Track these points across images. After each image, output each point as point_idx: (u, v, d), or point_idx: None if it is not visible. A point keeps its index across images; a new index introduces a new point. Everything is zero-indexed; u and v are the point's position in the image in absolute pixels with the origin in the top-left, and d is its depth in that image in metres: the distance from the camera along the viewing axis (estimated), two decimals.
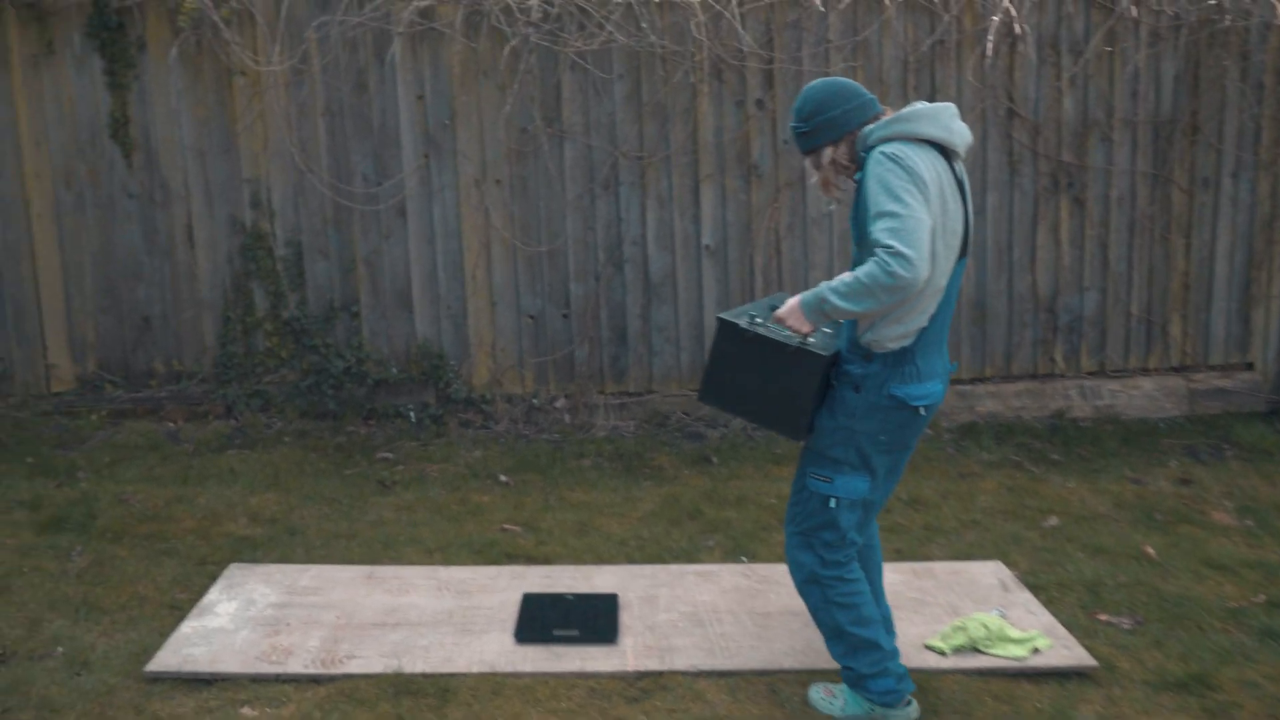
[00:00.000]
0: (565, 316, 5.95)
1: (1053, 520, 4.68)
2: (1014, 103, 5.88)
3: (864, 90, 3.00)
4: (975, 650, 3.47)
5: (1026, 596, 3.87)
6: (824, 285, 2.79)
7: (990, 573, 4.09)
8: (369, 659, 3.43)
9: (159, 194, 5.85)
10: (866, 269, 2.67)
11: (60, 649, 3.49)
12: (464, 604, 3.83)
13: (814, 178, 3.04)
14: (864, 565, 3.28)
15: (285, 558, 4.27)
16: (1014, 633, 3.51)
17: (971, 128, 5.74)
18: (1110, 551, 4.34)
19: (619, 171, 5.83)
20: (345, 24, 5.64)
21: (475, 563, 4.25)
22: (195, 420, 5.81)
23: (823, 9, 5.70)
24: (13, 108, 5.78)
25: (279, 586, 3.94)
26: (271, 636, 3.57)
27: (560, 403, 5.95)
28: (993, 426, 5.88)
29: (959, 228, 2.87)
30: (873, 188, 2.74)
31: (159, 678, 3.33)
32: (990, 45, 5.74)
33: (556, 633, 3.58)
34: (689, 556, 4.33)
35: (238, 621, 3.67)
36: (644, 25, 5.65)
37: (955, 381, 6.05)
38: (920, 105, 2.89)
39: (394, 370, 5.90)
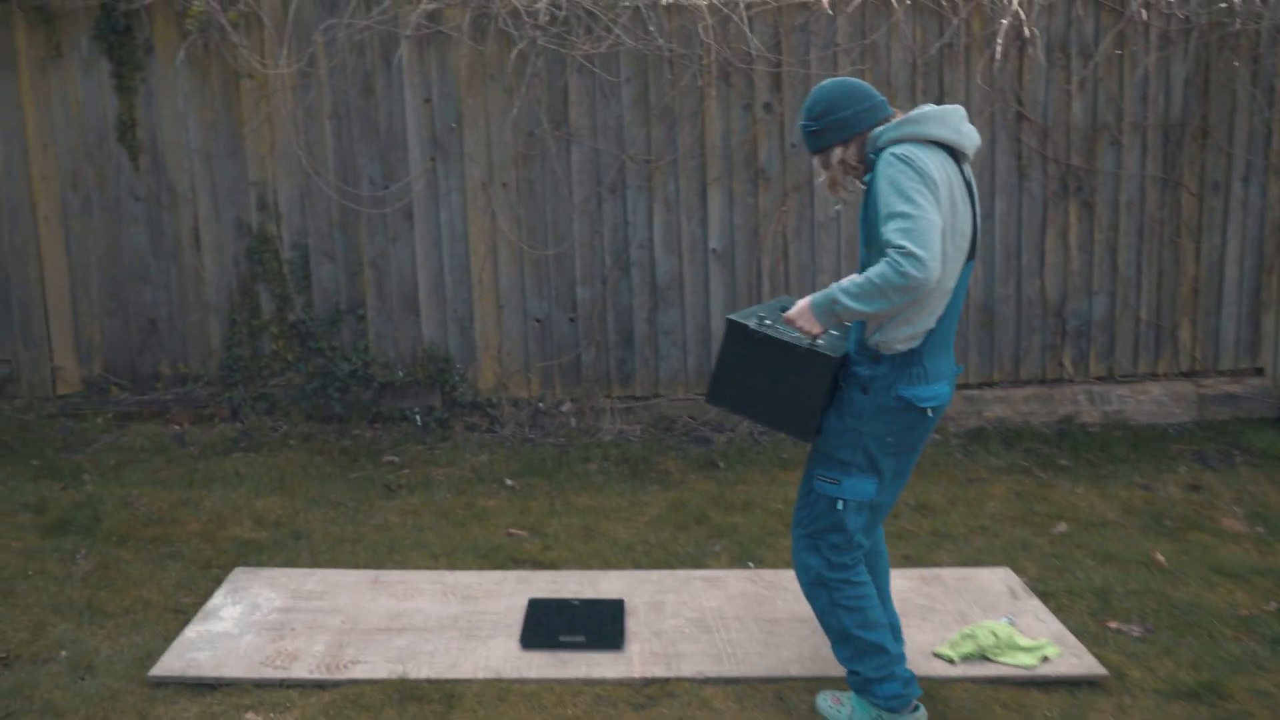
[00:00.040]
0: (571, 320, 5.93)
1: (1061, 526, 4.65)
2: (1023, 106, 5.85)
3: (875, 92, 2.99)
4: (984, 658, 3.44)
5: (1036, 604, 3.85)
6: (835, 286, 2.78)
7: (999, 579, 4.06)
8: (374, 664, 3.42)
9: (165, 197, 5.85)
10: (878, 269, 2.67)
11: (64, 653, 3.48)
12: (469, 609, 3.81)
13: (821, 177, 3.04)
14: (871, 571, 3.26)
15: (290, 562, 4.26)
16: (1023, 641, 3.48)
17: (980, 131, 5.75)
18: (1120, 558, 4.31)
19: (626, 175, 5.82)
20: (352, 27, 5.63)
21: (481, 567, 4.23)
22: (201, 423, 5.80)
23: (831, 12, 5.68)
24: (20, 110, 5.78)
25: (284, 591, 3.93)
26: (276, 641, 3.55)
27: (566, 407, 5.93)
28: (1001, 432, 5.85)
29: (967, 229, 2.88)
30: (884, 189, 2.73)
31: (163, 682, 3.32)
32: (999, 48, 5.71)
33: (562, 639, 3.56)
34: (696, 562, 4.30)
35: (242, 626, 3.65)
36: (651, 28, 5.63)
37: (963, 386, 6.02)
38: (929, 108, 2.89)
39: (400, 373, 5.89)
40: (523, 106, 5.70)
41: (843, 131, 2.94)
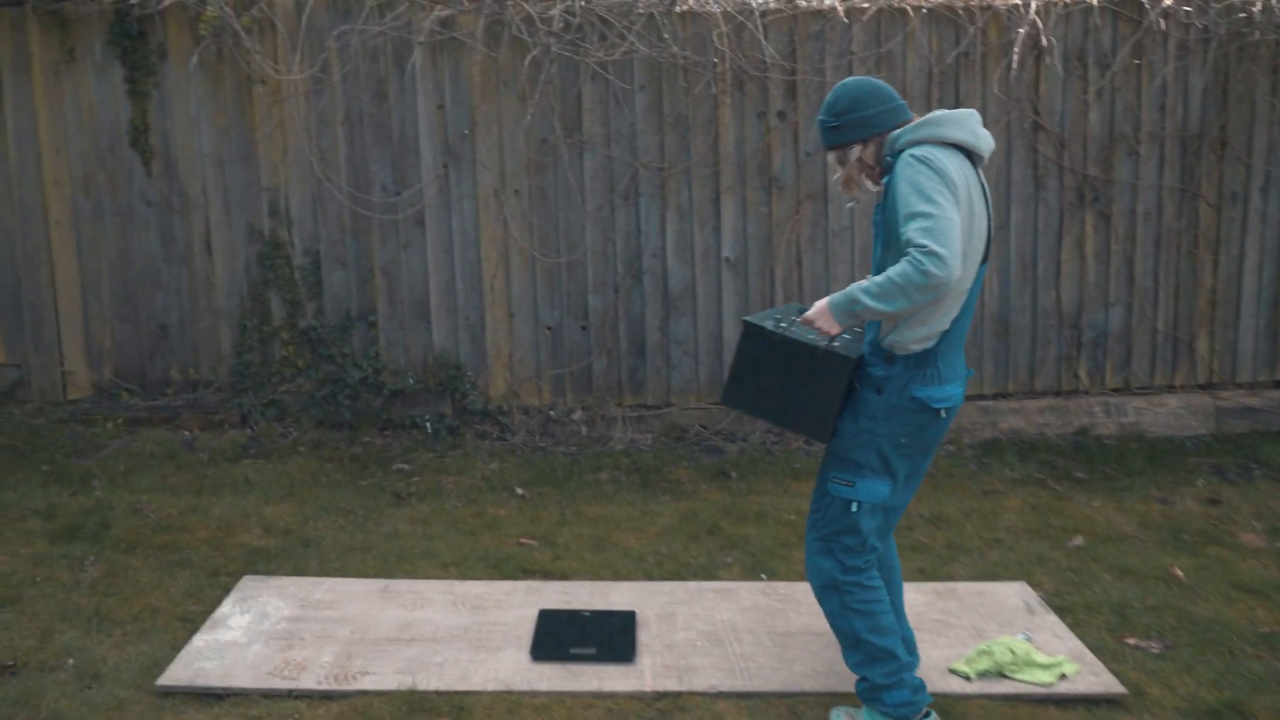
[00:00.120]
0: (583, 328, 5.90)
1: (1078, 540, 4.60)
2: (1039, 116, 5.81)
3: (897, 94, 3.01)
4: (1001, 675, 3.39)
5: (1053, 619, 3.79)
6: (854, 286, 2.80)
7: (1015, 594, 4.01)
8: (383, 675, 3.38)
9: (177, 202, 5.84)
10: (899, 268, 2.67)
11: (71, 661, 3.46)
12: (479, 620, 3.77)
13: (837, 174, 3.06)
14: (885, 586, 3.23)
15: (299, 570, 4.23)
16: (1041, 658, 3.43)
17: (996, 141, 5.70)
18: (1137, 573, 4.26)
19: (639, 183, 5.79)
20: (366, 33, 5.62)
21: (491, 577, 4.20)
22: (211, 429, 5.79)
23: (846, 20, 5.65)
24: (34, 115, 5.78)
25: (293, 600, 3.90)
26: (285, 651, 3.52)
27: (577, 415, 5.90)
28: (1015, 443, 5.80)
29: (983, 231, 2.90)
30: (904, 189, 2.75)
31: (170, 691, 3.29)
32: (1016, 58, 5.68)
33: (573, 651, 3.52)
34: (707, 573, 4.26)
35: (250, 635, 3.62)
36: (666, 36, 5.61)
37: (978, 397, 5.98)
38: (945, 111, 2.91)
39: (410, 381, 5.86)
40: (536, 113, 5.68)
41: (863, 130, 2.96)
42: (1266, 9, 5.73)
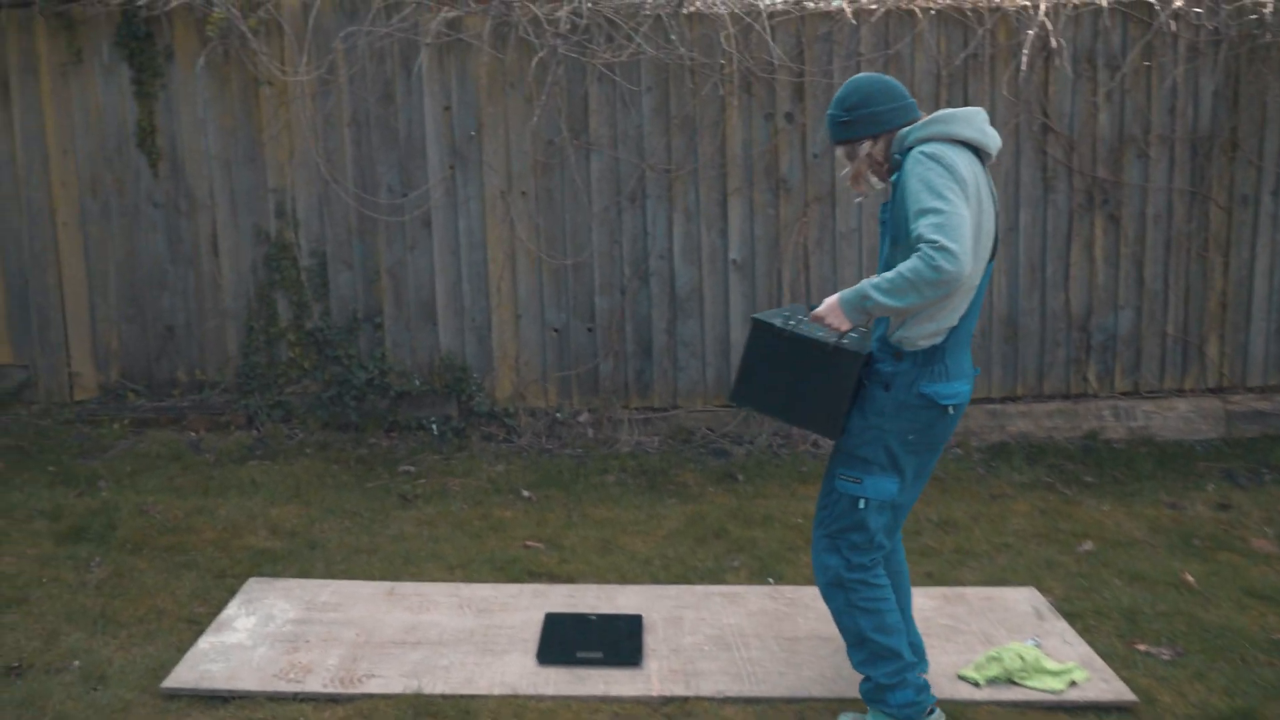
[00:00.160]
0: (590, 330, 5.88)
1: (1087, 545, 4.57)
2: (1049, 118, 5.78)
3: (908, 93, 3.02)
4: (1010, 682, 3.36)
5: (1062, 625, 3.77)
6: (865, 282, 2.79)
7: (1024, 599, 3.99)
8: (389, 679, 3.37)
9: (184, 203, 5.84)
10: (910, 264, 2.67)
11: (77, 662, 3.45)
12: (485, 623, 3.76)
13: (845, 169, 3.07)
14: (894, 591, 3.22)
15: (305, 572, 4.22)
16: (1050, 664, 3.41)
17: (1005, 143, 5.71)
18: (1148, 578, 4.22)
19: (646, 184, 5.77)
20: (373, 34, 5.62)
21: (497, 580, 4.18)
22: (217, 430, 5.78)
23: (854, 21, 5.63)
24: (41, 116, 5.79)
25: (298, 602, 3.89)
26: (290, 654, 3.51)
27: (584, 417, 5.88)
28: (1024, 447, 5.77)
29: (991, 228, 2.90)
30: (914, 185, 2.75)
31: (175, 694, 3.28)
32: (1025, 59, 5.65)
33: (579, 654, 3.50)
34: (714, 577, 4.24)
35: (256, 638, 3.61)
36: (673, 37, 5.60)
37: (986, 400, 5.95)
38: (953, 109, 2.93)
39: (417, 382, 5.85)
40: (543, 115, 5.67)
41: (873, 126, 2.97)
42: (1278, 10, 5.70)
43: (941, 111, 2.91)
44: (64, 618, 3.75)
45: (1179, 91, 5.81)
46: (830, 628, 3.62)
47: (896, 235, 2.88)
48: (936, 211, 2.67)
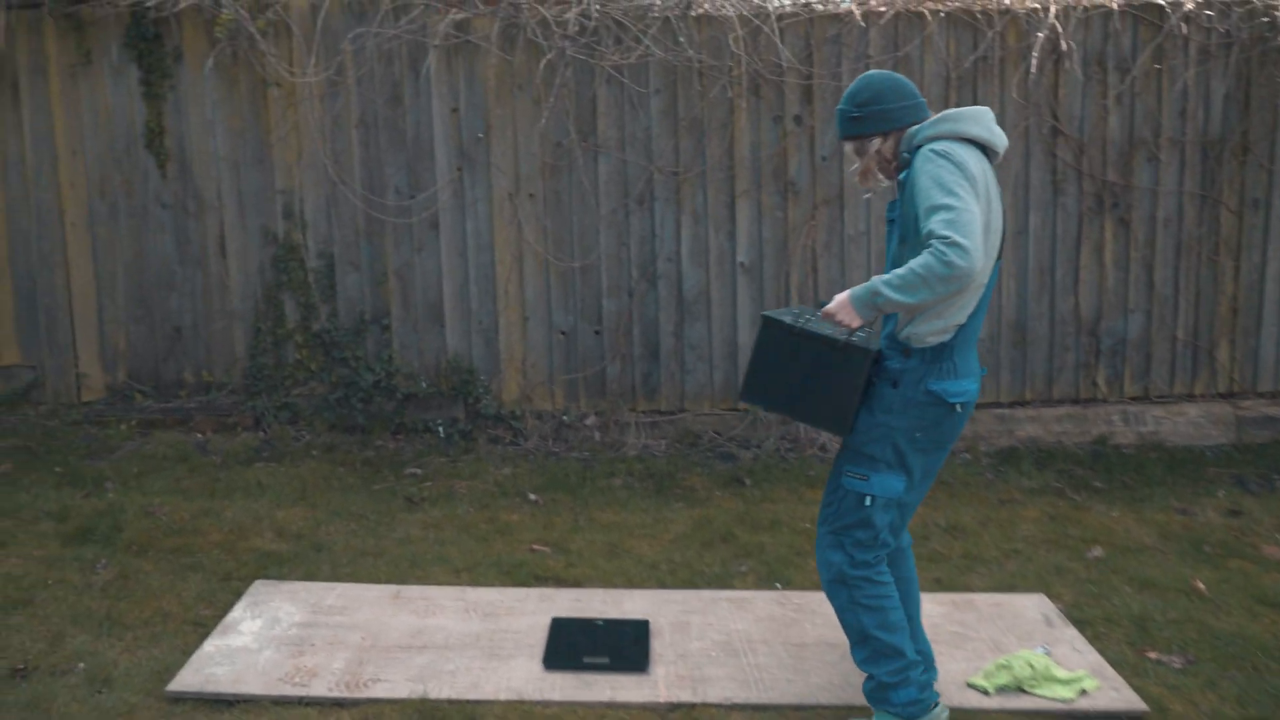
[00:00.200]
0: (597, 333, 5.87)
1: (1097, 551, 4.54)
2: (1058, 121, 5.75)
3: (918, 92, 3.03)
4: (1020, 690, 3.34)
5: (1072, 633, 3.74)
6: (876, 279, 2.80)
7: (1034, 606, 3.96)
8: (394, 683, 3.35)
9: (192, 204, 5.84)
10: (922, 260, 2.68)
11: (82, 665, 3.44)
12: (492, 627, 3.74)
13: (854, 165, 3.08)
14: (903, 599, 3.21)
15: (311, 575, 4.21)
16: (1061, 673, 3.38)
17: (1014, 146, 5.69)
18: (1158, 585, 4.19)
19: (654, 187, 5.76)
20: (381, 36, 5.61)
21: (503, 583, 4.17)
22: (224, 432, 5.78)
23: (863, 24, 5.61)
24: (50, 117, 5.79)
25: (304, 605, 3.88)
26: (296, 657, 3.50)
27: (591, 420, 5.87)
28: (1033, 452, 5.74)
29: (999, 226, 2.92)
30: (924, 183, 2.76)
31: (180, 697, 3.27)
32: (1035, 62, 5.62)
33: (586, 660, 3.48)
34: (722, 582, 4.22)
35: (261, 641, 3.60)
36: (681, 39, 5.58)
37: (994, 405, 5.92)
38: (961, 108, 2.94)
39: (424, 384, 5.84)
40: (551, 117, 5.66)
41: (883, 123, 2.98)
42: None
43: (950, 110, 2.93)
44: (69, 619, 3.75)
45: (1190, 94, 5.78)
46: (838, 634, 3.60)
47: (905, 233, 2.89)
48: (948, 208, 2.68)
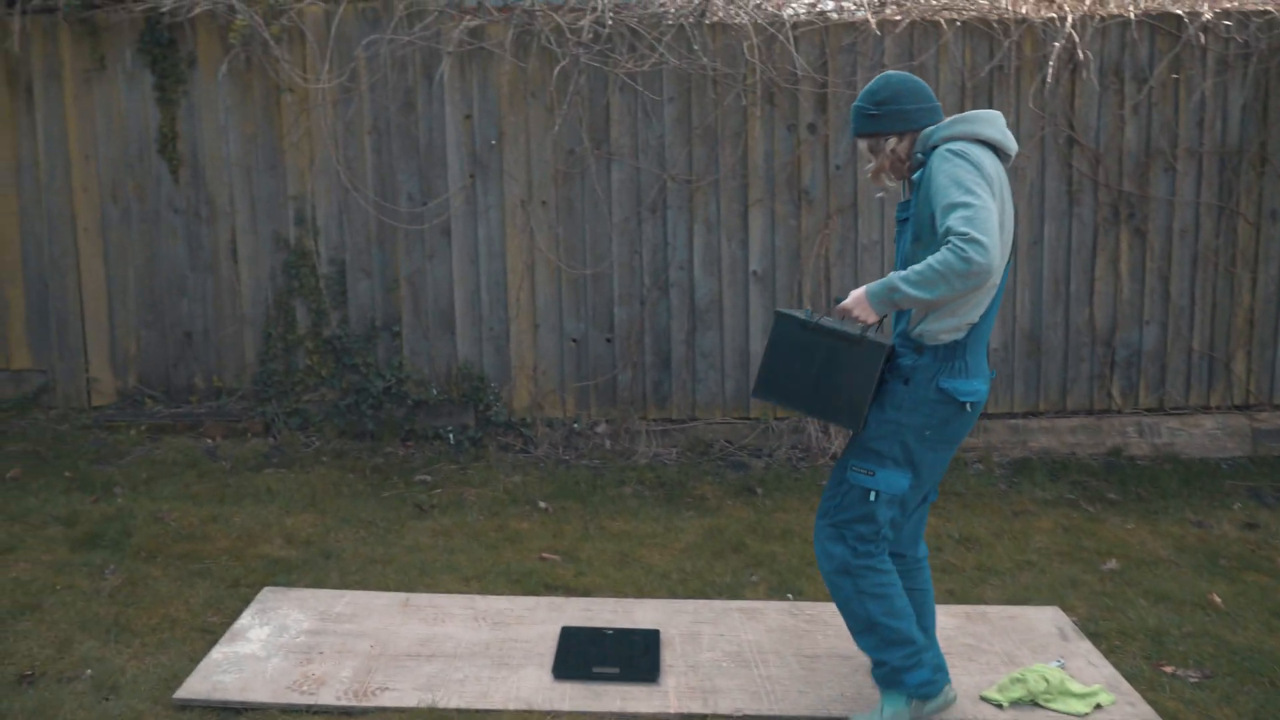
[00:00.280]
0: (608, 341, 5.85)
1: (1112, 563, 4.49)
2: (1074, 131, 5.72)
3: (934, 95, 3.09)
4: (1034, 704, 3.30)
5: (1087, 646, 3.69)
6: (893, 275, 2.82)
7: (1048, 619, 3.91)
8: (403, 692, 3.33)
9: (204, 209, 5.84)
10: (940, 256, 2.70)
11: (89, 671, 3.42)
12: (501, 636, 3.71)
13: (868, 163, 3.10)
14: (918, 612, 3.20)
15: (320, 581, 4.18)
16: (1076, 687, 3.34)
17: (1030, 155, 5.66)
18: (1173, 598, 4.14)
19: (667, 195, 5.74)
20: (395, 42, 5.61)
21: (513, 592, 4.14)
22: (234, 437, 5.77)
23: (879, 32, 5.59)
24: (63, 122, 5.81)
25: (313, 612, 3.86)
26: (304, 665, 3.48)
27: (601, 428, 5.84)
28: (1047, 463, 5.69)
29: (1011, 227, 2.93)
30: (942, 181, 2.79)
31: (188, 705, 3.25)
32: (1051, 71, 5.59)
33: (596, 670, 3.45)
34: (733, 592, 4.19)
35: (269, 648, 3.58)
36: (696, 47, 5.57)
37: (1008, 415, 5.88)
38: (975, 111, 2.98)
39: (434, 391, 5.82)
40: (564, 124, 5.65)
41: (899, 123, 3.00)
42: None
43: (965, 113, 2.96)
44: (77, 625, 3.73)
45: (1207, 105, 5.74)
46: (851, 645, 3.56)
47: (919, 232, 2.91)
48: (966, 205, 2.70)
